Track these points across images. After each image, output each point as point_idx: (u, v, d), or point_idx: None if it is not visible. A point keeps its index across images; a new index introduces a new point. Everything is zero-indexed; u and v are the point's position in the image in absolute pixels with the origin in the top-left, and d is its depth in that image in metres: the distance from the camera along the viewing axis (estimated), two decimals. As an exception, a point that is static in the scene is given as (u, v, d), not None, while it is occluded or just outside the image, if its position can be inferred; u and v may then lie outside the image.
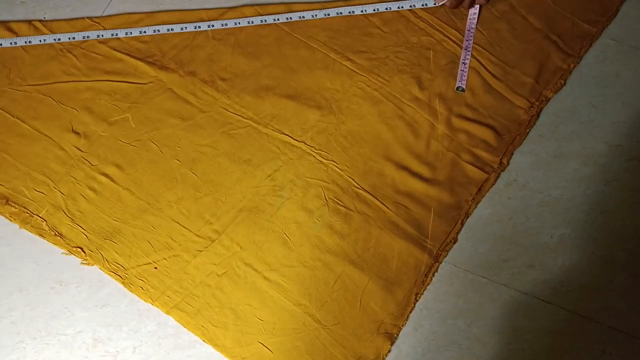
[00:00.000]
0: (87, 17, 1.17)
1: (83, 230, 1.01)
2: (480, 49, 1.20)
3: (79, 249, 1.00)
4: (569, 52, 1.21)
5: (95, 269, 1.00)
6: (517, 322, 1.00)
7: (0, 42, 1.13)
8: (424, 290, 1.01)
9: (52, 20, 1.17)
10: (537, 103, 1.16)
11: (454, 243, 1.05)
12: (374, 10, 1.21)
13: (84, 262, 1.00)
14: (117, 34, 1.15)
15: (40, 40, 1.14)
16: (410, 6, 1.22)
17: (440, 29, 1.21)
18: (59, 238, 1.00)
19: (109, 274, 0.99)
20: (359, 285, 1.00)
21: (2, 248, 1.00)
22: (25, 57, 1.13)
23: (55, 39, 1.14)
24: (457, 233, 1.06)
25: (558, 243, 1.06)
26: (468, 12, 1.22)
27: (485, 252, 1.05)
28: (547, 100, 1.17)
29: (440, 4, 1.15)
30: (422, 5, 1.22)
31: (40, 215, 1.01)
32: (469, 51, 1.19)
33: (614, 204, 1.09)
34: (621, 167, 1.12)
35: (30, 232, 1.00)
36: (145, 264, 1.00)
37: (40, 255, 1.00)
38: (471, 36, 1.20)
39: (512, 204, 1.08)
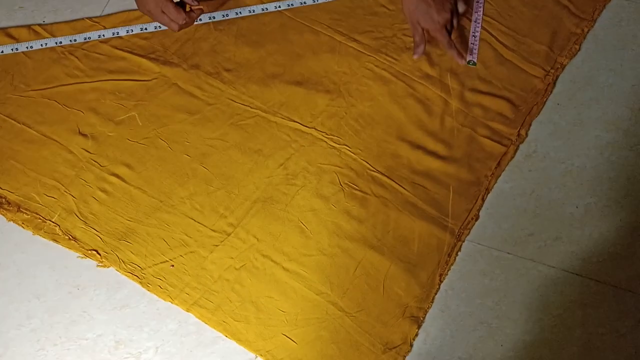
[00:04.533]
0: (87, 18, 1.16)
1: (97, 233, 0.99)
2: (489, 20, 1.16)
3: (94, 252, 0.98)
4: (582, 16, 1.17)
5: (111, 270, 0.98)
6: (547, 297, 0.97)
7: (1, 49, 1.12)
8: (448, 271, 0.99)
9: (52, 24, 1.16)
10: (552, 71, 1.12)
11: (476, 220, 1.02)
12: (377, -13, 1.18)
13: (100, 264, 0.98)
14: (118, 33, 1.13)
15: (41, 45, 1.13)
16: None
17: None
18: (73, 242, 0.99)
19: (126, 275, 0.98)
20: (381, 270, 0.98)
21: (17, 255, 0.99)
22: (27, 62, 1.11)
23: (56, 42, 1.13)
24: (479, 210, 1.02)
25: (584, 213, 1.02)
26: None
27: (509, 228, 1.02)
28: (563, 67, 1.13)
29: (416, 56, 1.09)
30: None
31: (53, 220, 1.00)
32: (478, 23, 1.15)
33: (639, 169, 1.05)
34: (645, 130, 1.08)
35: (44, 237, 0.99)
36: (161, 263, 0.98)
37: (55, 260, 0.98)
38: (480, 7, 1.17)
39: (533, 176, 1.05)
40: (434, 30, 1.05)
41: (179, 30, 1.04)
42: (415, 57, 1.08)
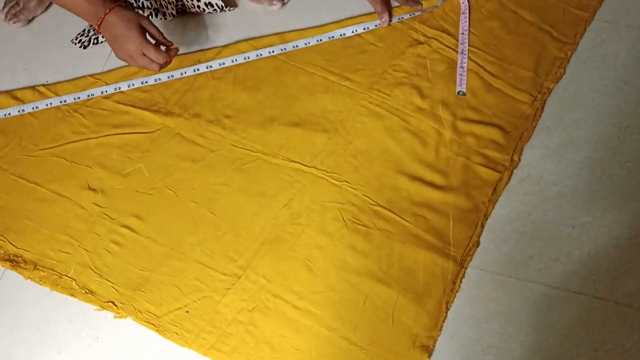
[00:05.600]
0: (89, 75, 1.21)
1: (112, 284, 1.03)
2: (475, 50, 1.21)
3: (110, 304, 1.01)
4: (564, 40, 1.22)
5: (129, 320, 1.01)
6: (551, 317, 1.00)
7: (8, 111, 1.16)
8: (454, 298, 1.02)
9: (55, 83, 1.20)
10: (539, 95, 1.16)
11: (477, 246, 1.05)
12: (365, 29, 1.22)
13: (117, 315, 1.01)
14: (120, 88, 1.18)
15: (46, 104, 1.17)
16: (399, 18, 1.23)
17: (434, 37, 1.22)
18: (90, 295, 1.02)
19: (143, 324, 1.00)
20: (389, 302, 1.01)
21: (35, 313, 1.02)
22: (34, 122, 1.16)
23: (61, 101, 1.17)
24: (479, 236, 1.06)
25: (581, 232, 1.06)
26: (459, 17, 1.23)
27: (510, 251, 1.05)
28: (550, 91, 1.17)
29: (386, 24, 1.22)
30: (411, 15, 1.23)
31: (69, 275, 1.03)
32: (465, 54, 1.20)
33: (631, 186, 1.09)
34: (633, 147, 1.12)
35: (62, 293, 1.02)
36: (176, 309, 1.01)
37: (73, 314, 1.01)
38: (465, 39, 1.21)
39: (529, 200, 1.08)
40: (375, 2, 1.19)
41: (159, 70, 1.05)
42: (385, 24, 1.21)
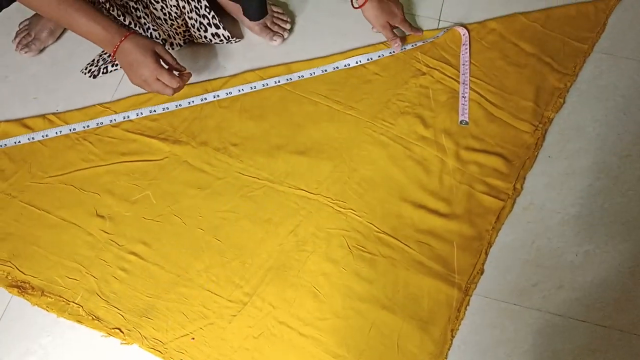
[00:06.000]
0: (98, 104, 1.22)
1: (119, 311, 1.03)
2: (477, 80, 1.23)
3: (117, 330, 1.02)
4: (564, 72, 1.24)
5: (135, 347, 1.01)
6: (556, 345, 1.00)
7: (18, 139, 1.18)
8: (458, 326, 1.02)
9: (65, 112, 1.22)
10: (540, 125, 1.19)
11: (481, 274, 1.06)
12: (368, 59, 1.25)
13: (124, 342, 1.01)
14: (128, 116, 1.20)
15: (56, 133, 1.18)
16: (402, 49, 1.26)
17: (436, 67, 1.25)
18: (97, 322, 1.02)
19: (149, 351, 1.00)
20: (394, 329, 1.01)
21: (43, 339, 1.02)
22: (43, 150, 1.17)
23: (70, 129, 1.19)
24: (483, 264, 1.07)
25: (584, 260, 1.07)
26: (459, 48, 1.26)
27: (514, 279, 1.06)
28: (550, 120, 1.19)
29: (399, 49, 1.27)
30: (412, 45, 1.26)
31: (76, 301, 1.04)
32: (466, 85, 1.22)
33: (633, 214, 1.10)
34: (634, 176, 1.13)
35: (69, 319, 1.03)
36: (182, 336, 1.02)
37: (80, 340, 1.02)
38: (466, 70, 1.24)
39: (532, 228, 1.10)
40: (402, 23, 1.24)
41: (172, 94, 1.08)
42: (398, 50, 1.25)
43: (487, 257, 1.07)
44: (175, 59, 1.08)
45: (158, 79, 1.04)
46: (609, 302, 1.03)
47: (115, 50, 1.03)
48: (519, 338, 1.01)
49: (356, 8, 1.22)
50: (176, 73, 1.08)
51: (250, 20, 1.25)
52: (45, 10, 0.99)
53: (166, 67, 1.06)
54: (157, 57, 1.05)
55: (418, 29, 1.29)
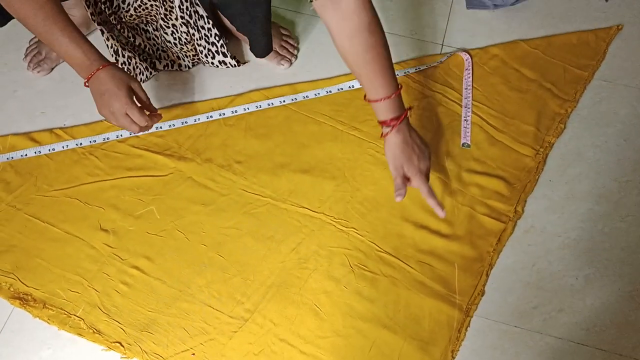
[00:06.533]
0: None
1: (120, 325, 1.03)
2: (479, 104, 1.25)
3: (117, 344, 1.02)
4: (564, 97, 1.27)
5: (135, 361, 1.01)
6: (556, 368, 1.00)
7: (25, 152, 1.19)
8: (459, 347, 1.02)
9: (72, 127, 1.23)
10: (541, 149, 1.20)
11: (482, 295, 1.07)
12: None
13: (124, 356, 1.01)
14: (135, 132, 1.21)
15: (63, 147, 1.20)
16: (405, 72, 1.28)
17: (438, 91, 1.27)
18: (97, 335, 1.02)
19: (149, 366, 1.01)
20: (395, 349, 1.01)
21: (43, 352, 1.01)
22: (50, 164, 1.18)
23: (77, 144, 1.20)
24: (484, 285, 1.07)
25: (584, 284, 1.07)
26: (462, 73, 1.28)
27: (514, 301, 1.06)
28: (551, 145, 1.21)
29: (399, 199, 1.00)
30: (416, 69, 1.29)
31: (77, 314, 1.04)
32: (468, 108, 1.24)
33: (632, 238, 1.11)
34: (634, 201, 1.15)
35: (70, 332, 1.02)
36: (182, 351, 1.01)
37: (81, 354, 1.01)
38: (469, 94, 1.26)
39: (533, 250, 1.10)
40: (416, 176, 1.01)
41: (138, 132, 1.06)
42: (398, 199, 0.99)
43: (488, 279, 1.08)
44: (148, 98, 1.07)
45: (127, 114, 1.02)
46: (609, 325, 1.03)
47: (90, 77, 1.01)
48: (519, 360, 1.01)
49: (381, 137, 1.03)
50: (147, 112, 1.06)
51: (256, 56, 1.27)
52: (30, 23, 0.96)
53: (138, 104, 1.05)
54: (131, 92, 1.03)
55: (439, 204, 1.01)
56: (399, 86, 0.99)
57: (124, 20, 1.20)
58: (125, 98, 1.01)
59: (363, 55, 0.94)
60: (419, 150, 1.01)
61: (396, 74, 1.27)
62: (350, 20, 0.91)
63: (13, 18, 1.16)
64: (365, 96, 1.00)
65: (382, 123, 1.00)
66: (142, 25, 1.24)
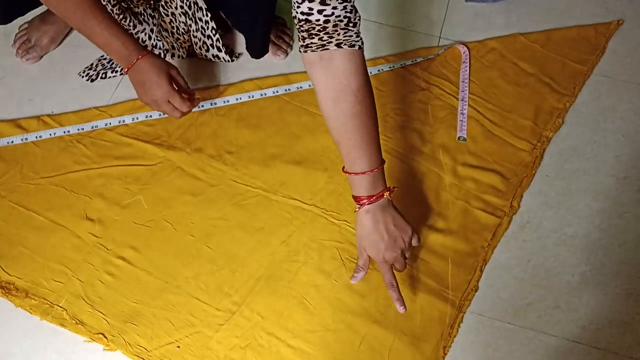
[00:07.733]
0: (94, 107, 1.21)
1: (104, 316, 1.00)
2: (476, 98, 1.23)
3: (100, 335, 0.99)
4: (563, 92, 1.24)
5: (118, 353, 0.99)
6: (550, 367, 0.98)
7: (11, 139, 1.17)
8: (451, 343, 1.00)
9: (60, 114, 1.21)
10: (538, 144, 1.18)
11: (476, 291, 1.04)
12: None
13: (107, 348, 0.99)
14: (124, 120, 1.19)
15: (50, 134, 1.17)
16: (401, 64, 1.26)
17: (435, 84, 1.25)
18: (80, 326, 1.00)
19: (133, 358, 0.97)
20: (385, 345, 0.99)
21: (24, 342, 0.99)
22: (36, 151, 1.16)
23: (64, 132, 1.17)
24: (478, 281, 1.05)
25: (580, 281, 1.05)
26: (459, 66, 1.26)
27: (509, 298, 1.04)
28: (549, 140, 1.19)
29: (354, 281, 0.98)
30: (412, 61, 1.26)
31: (60, 305, 1.01)
32: (465, 101, 1.22)
33: (630, 236, 1.09)
34: (631, 198, 1.12)
35: (52, 322, 1.00)
36: (167, 344, 0.99)
37: (63, 345, 0.99)
38: (465, 87, 1.24)
39: (528, 246, 1.08)
40: (380, 264, 0.94)
41: (180, 117, 1.10)
42: (352, 281, 0.97)
43: (482, 274, 1.05)
44: (187, 83, 1.10)
45: (169, 101, 1.05)
46: (605, 324, 1.01)
47: (130, 67, 1.03)
48: (513, 358, 0.99)
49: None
50: (185, 96, 1.09)
51: (252, 56, 1.24)
52: (70, 17, 0.98)
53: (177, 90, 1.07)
54: (171, 79, 1.06)
55: (400, 299, 0.94)
56: (382, 162, 0.91)
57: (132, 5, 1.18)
58: (167, 86, 1.04)
59: (344, 121, 0.87)
60: (389, 237, 0.91)
61: (394, 69, 1.26)
62: (338, 81, 0.85)
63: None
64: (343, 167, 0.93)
65: (354, 198, 0.93)
66: (141, 9, 1.20)
